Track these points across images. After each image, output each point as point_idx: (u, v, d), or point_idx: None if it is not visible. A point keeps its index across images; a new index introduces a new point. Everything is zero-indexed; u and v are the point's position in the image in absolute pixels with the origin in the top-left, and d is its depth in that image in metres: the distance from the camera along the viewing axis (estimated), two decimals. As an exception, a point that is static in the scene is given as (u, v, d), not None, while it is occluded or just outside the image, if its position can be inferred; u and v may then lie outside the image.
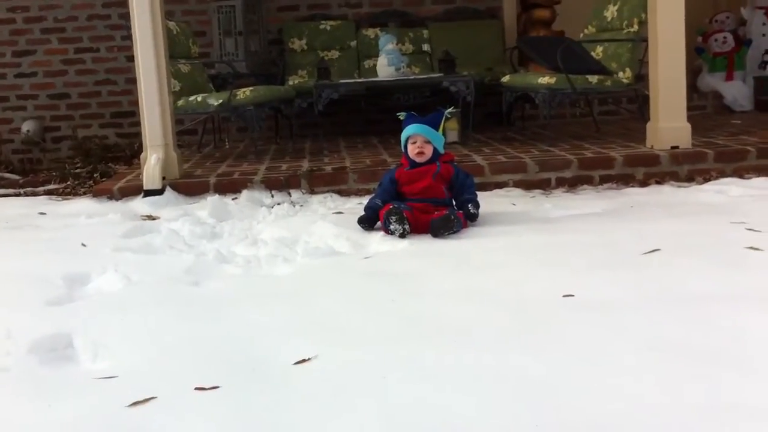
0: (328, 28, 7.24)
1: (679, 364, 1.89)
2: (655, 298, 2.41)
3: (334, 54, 7.22)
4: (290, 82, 6.85)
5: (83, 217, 4.21)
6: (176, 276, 2.94)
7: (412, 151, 3.64)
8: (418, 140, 3.63)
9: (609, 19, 5.90)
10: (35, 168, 6.97)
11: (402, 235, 3.38)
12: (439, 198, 3.60)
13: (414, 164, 3.65)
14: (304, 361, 2.02)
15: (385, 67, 5.96)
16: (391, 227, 3.40)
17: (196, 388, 1.88)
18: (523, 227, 3.53)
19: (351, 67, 7.17)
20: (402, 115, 3.73)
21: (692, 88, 7.36)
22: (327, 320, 2.37)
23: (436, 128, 3.64)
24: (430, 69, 6.94)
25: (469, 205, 3.61)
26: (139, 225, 3.92)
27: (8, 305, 2.62)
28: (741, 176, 4.57)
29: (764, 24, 7.36)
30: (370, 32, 7.22)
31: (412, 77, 6.04)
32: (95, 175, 5.81)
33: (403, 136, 3.68)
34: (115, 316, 2.49)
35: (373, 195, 3.77)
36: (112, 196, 4.70)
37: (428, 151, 3.63)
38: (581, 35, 6.23)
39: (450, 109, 3.78)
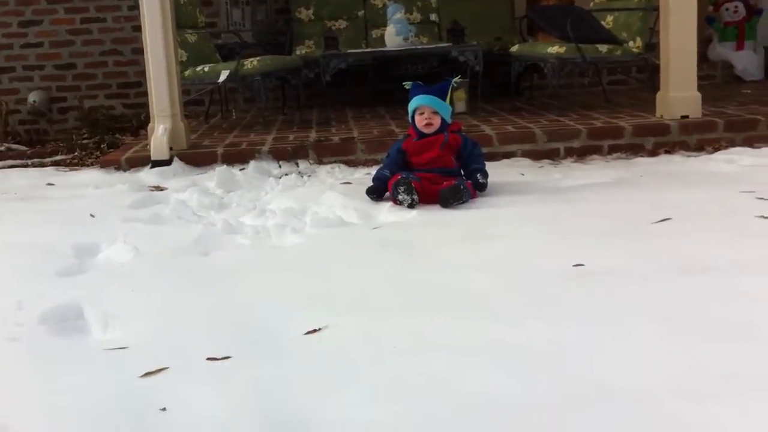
0: (336, -4, 7.19)
1: (692, 334, 1.88)
2: (666, 267, 2.40)
3: (342, 24, 7.16)
4: (297, 52, 6.81)
5: (91, 187, 4.21)
6: (185, 246, 2.94)
7: (420, 122, 3.62)
8: (425, 111, 3.60)
9: (619, -13, 5.83)
10: (42, 139, 6.96)
11: (411, 206, 3.37)
12: (447, 168, 3.58)
13: (422, 135, 3.63)
14: (314, 331, 2.03)
15: (393, 37, 5.91)
16: (400, 197, 3.39)
17: (208, 359, 1.89)
18: (532, 197, 3.51)
19: (358, 36, 7.12)
20: (408, 85, 3.69)
21: (702, 57, 7.28)
22: (337, 290, 2.37)
23: (444, 98, 3.61)
24: (438, 39, 6.89)
25: (478, 175, 3.60)
26: (147, 195, 3.91)
27: (19, 276, 2.62)
28: (751, 146, 4.54)
29: (776, -8, 7.28)
30: (378, 2, 7.16)
31: (420, 47, 5.99)
32: (102, 146, 5.80)
33: (411, 107, 3.65)
34: (125, 286, 2.49)
35: (380, 166, 3.75)
36: (119, 166, 4.69)
37: (436, 122, 3.60)
38: (591, 4, 6.16)
39: (457, 78, 3.76)
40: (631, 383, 1.65)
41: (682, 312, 2.02)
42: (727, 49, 7.36)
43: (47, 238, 3.06)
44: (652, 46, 5.50)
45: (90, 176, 4.55)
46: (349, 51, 5.93)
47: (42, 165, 5.32)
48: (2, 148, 6.18)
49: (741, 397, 1.57)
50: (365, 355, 1.87)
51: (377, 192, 3.58)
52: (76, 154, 5.67)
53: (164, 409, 1.65)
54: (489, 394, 1.65)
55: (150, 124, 4.81)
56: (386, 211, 3.39)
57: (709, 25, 7.49)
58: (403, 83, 3.72)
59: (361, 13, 7.21)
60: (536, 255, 2.62)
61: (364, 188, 3.63)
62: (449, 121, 3.65)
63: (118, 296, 2.39)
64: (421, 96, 3.60)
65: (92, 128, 6.44)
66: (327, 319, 2.09)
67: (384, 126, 5.34)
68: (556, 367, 1.75)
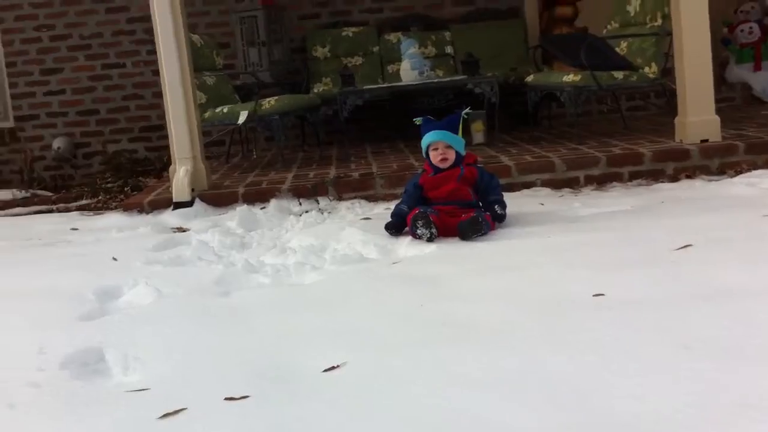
0: (351, 34, 7.26)
1: (713, 362, 1.86)
2: (688, 294, 2.37)
3: (358, 60, 7.23)
4: (315, 90, 6.87)
5: (114, 231, 4.26)
6: (206, 287, 2.96)
7: (434, 158, 3.63)
8: (439, 146, 3.61)
9: (632, 13, 5.85)
10: (67, 184, 7.06)
11: (429, 239, 3.37)
12: (465, 200, 3.59)
13: (437, 170, 3.64)
14: (333, 368, 2.02)
15: (409, 72, 5.95)
16: (419, 232, 3.39)
17: (226, 399, 1.89)
18: (551, 227, 3.50)
19: (374, 72, 7.18)
20: (419, 121, 3.71)
21: (720, 79, 7.26)
22: (356, 327, 2.37)
23: (455, 131, 3.62)
24: (453, 71, 6.93)
25: (496, 206, 3.59)
26: (169, 237, 3.95)
27: (41, 321, 2.65)
28: (773, 168, 4.51)
29: (791, 13, 7.26)
30: (392, 37, 7.23)
31: (435, 80, 6.02)
32: (126, 189, 5.88)
33: (424, 143, 3.67)
34: (146, 328, 2.51)
35: (398, 201, 3.76)
36: (142, 209, 4.74)
37: (451, 156, 3.62)
38: (604, 31, 6.18)
39: (467, 110, 3.76)
40: (651, 415, 1.63)
41: (702, 340, 2.00)
42: (745, 70, 7.34)
43: (69, 282, 3.09)
44: (667, 71, 5.50)
45: (113, 220, 4.60)
46: (365, 87, 5.98)
47: (67, 210, 5.40)
48: (28, 195, 6.27)
49: (762, 425, 1.55)
50: (383, 392, 1.86)
51: (396, 227, 3.58)
52: (100, 198, 5.74)
53: (184, 452, 1.65)
54: (507, 426, 1.63)
55: (171, 167, 4.86)
56: (406, 246, 3.39)
57: (725, 47, 7.48)
58: (414, 119, 3.73)
59: (376, 49, 7.28)
60: (556, 285, 2.61)
61: (384, 223, 3.64)
62: (463, 153, 3.66)
63: (139, 338, 2.40)
64: (434, 132, 3.61)
65: (116, 172, 6.53)
66: (346, 356, 2.09)
67: (403, 160, 5.36)
68: (576, 399, 1.73)
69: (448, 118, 3.66)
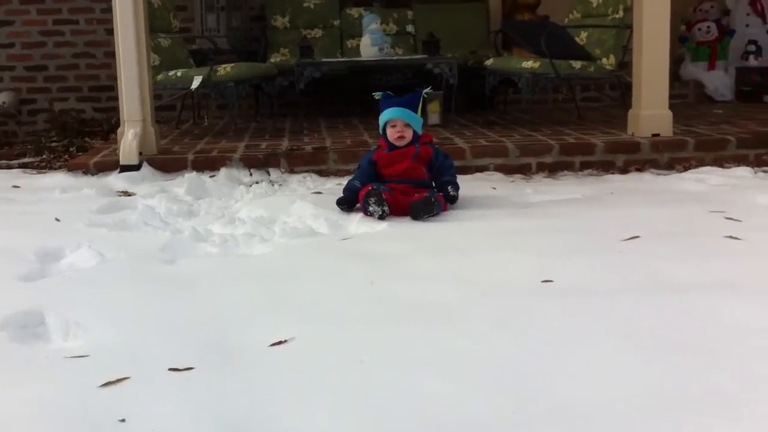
0: (312, 6, 7.17)
1: (655, 352, 1.88)
2: (634, 285, 2.40)
3: (317, 33, 7.15)
4: (272, 60, 6.77)
5: (57, 191, 4.15)
6: (151, 253, 2.90)
7: (392, 135, 3.61)
8: (398, 124, 3.59)
9: (594, 4, 5.88)
10: (10, 141, 6.85)
11: (381, 217, 3.35)
12: (419, 179, 3.57)
13: (393, 146, 3.62)
14: (280, 342, 2.00)
15: (369, 47, 5.90)
16: (370, 209, 3.37)
17: (170, 369, 1.85)
18: (503, 211, 3.51)
19: (334, 46, 7.10)
20: (378, 95, 3.68)
21: (674, 76, 7.36)
22: (304, 302, 2.34)
23: (415, 110, 3.60)
24: (413, 50, 6.90)
25: (449, 187, 3.59)
26: (114, 201, 3.86)
27: (-22, 280, 2.57)
28: (721, 165, 4.58)
29: (748, 14, 7.37)
30: (354, 12, 7.16)
31: (395, 58, 5.99)
32: (71, 149, 5.73)
33: (382, 119, 3.64)
34: (88, 293, 2.45)
35: (351, 177, 3.73)
36: (87, 170, 4.63)
37: (408, 135, 3.60)
38: (566, 20, 6.21)
39: (427, 89, 3.74)
40: (592, 401, 1.65)
41: (646, 330, 2.03)
42: (699, 68, 7.45)
43: (10, 241, 3.01)
44: (624, 64, 5.55)
45: (57, 180, 4.48)
46: (323, 60, 5.91)
47: (9, 167, 5.24)
48: (-32, 149, 6.08)
49: (701, 415, 1.58)
50: (330, 367, 1.85)
51: (347, 203, 3.56)
52: (44, 157, 5.59)
53: (123, 420, 1.61)
54: (452, 407, 1.63)
55: (120, 129, 4.75)
56: (356, 223, 3.37)
57: (682, 44, 7.58)
58: (374, 94, 3.70)
59: (337, 22, 7.21)
60: (505, 269, 2.61)
61: (336, 198, 3.61)
62: (420, 132, 3.64)
63: (81, 303, 2.35)
64: (394, 109, 3.58)
65: (61, 131, 6.36)
66: (292, 330, 2.07)
67: (357, 136, 5.32)
68: (520, 383, 1.74)
69: (409, 95, 3.63)
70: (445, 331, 2.06)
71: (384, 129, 3.65)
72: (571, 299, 2.28)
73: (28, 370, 1.90)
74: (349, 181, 3.65)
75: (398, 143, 3.60)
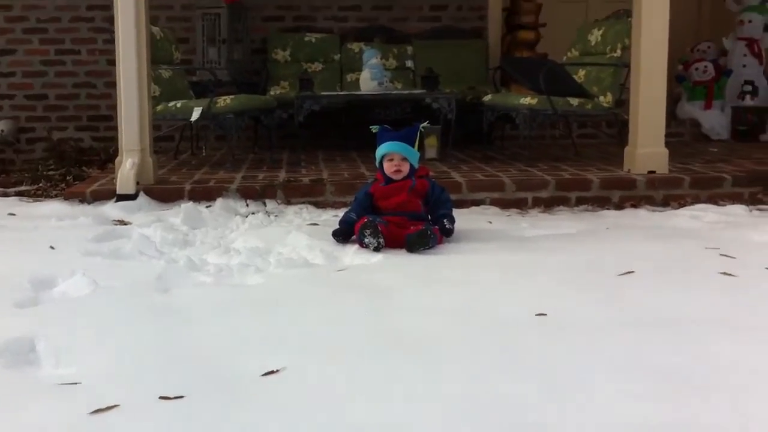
0: (313, 40, 7.24)
1: (648, 386, 1.87)
2: (628, 319, 2.40)
3: (318, 66, 7.20)
4: (272, 93, 6.82)
5: (54, 219, 4.15)
6: (145, 282, 2.89)
7: (388, 168, 3.62)
8: (395, 158, 3.60)
9: (593, 43, 5.94)
10: (7, 168, 6.87)
11: (376, 249, 3.35)
12: (415, 212, 3.58)
13: (389, 180, 3.63)
14: (271, 373, 1.99)
15: (368, 81, 5.95)
16: (366, 240, 3.37)
17: (161, 398, 1.84)
18: (498, 245, 3.52)
19: (334, 80, 7.16)
20: (375, 129, 3.69)
21: (671, 114, 7.40)
22: (297, 332, 2.33)
23: (412, 144, 3.61)
24: (413, 85, 6.95)
25: (445, 220, 3.59)
26: (110, 229, 3.86)
27: (-29, 306, 2.56)
28: (716, 203, 4.61)
29: (745, 55, 7.44)
30: (355, 46, 7.22)
31: (394, 92, 6.03)
32: (68, 177, 5.74)
33: (379, 152, 3.65)
34: (81, 321, 2.44)
35: (348, 209, 3.74)
36: (84, 199, 4.64)
37: (405, 169, 3.61)
38: (564, 58, 6.26)
39: (425, 123, 3.76)
40: (588, 436, 1.64)
41: (639, 364, 2.02)
42: (696, 107, 7.50)
43: (4, 269, 3.00)
44: (621, 102, 5.59)
45: (53, 208, 4.48)
46: (323, 93, 5.95)
47: (5, 195, 5.24)
48: (-34, 176, 6.09)
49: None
50: (321, 399, 1.83)
51: (343, 235, 3.56)
52: (40, 185, 5.60)
53: (110, 449, 1.60)
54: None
55: (118, 158, 4.77)
56: (352, 254, 3.37)
57: (679, 83, 7.64)
58: (371, 127, 3.71)
59: (337, 56, 7.27)
60: (499, 303, 2.61)
61: (332, 230, 3.61)
62: (417, 166, 3.66)
63: (73, 331, 2.34)
64: (391, 143, 3.59)
65: (59, 160, 6.39)
66: (285, 361, 2.06)
67: (354, 169, 5.34)
68: (514, 419, 1.72)
69: (406, 129, 3.65)
70: (438, 365, 2.04)
71: (381, 162, 3.66)
72: (564, 333, 2.27)
73: (18, 397, 1.88)
74: (346, 213, 3.66)
75: (395, 177, 3.61)
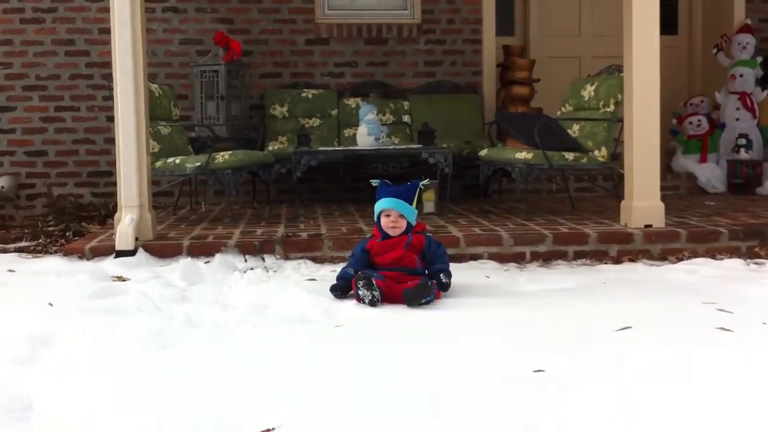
0: (310, 96, 7.32)
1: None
2: (626, 375, 2.39)
3: (315, 122, 7.27)
4: (270, 148, 6.88)
5: (52, 275, 4.15)
6: (143, 339, 2.88)
7: (385, 224, 3.64)
8: (392, 214, 3.63)
9: (586, 98, 6.02)
10: (7, 225, 6.88)
11: (372, 302, 3.36)
12: (411, 267, 3.59)
13: (386, 235, 3.65)
14: (268, 430, 1.98)
15: (365, 137, 6.01)
16: (360, 293, 3.38)
17: (156, 456, 1.83)
18: (496, 300, 3.52)
19: (331, 135, 7.22)
20: (375, 183, 3.72)
21: (666, 168, 7.47)
22: (293, 389, 2.32)
23: (410, 201, 3.63)
24: (409, 140, 7.02)
25: (441, 275, 3.60)
26: (108, 286, 3.86)
27: (-32, 364, 2.55)
28: (713, 257, 4.61)
29: (738, 109, 7.52)
30: (352, 102, 7.30)
31: (391, 147, 6.08)
32: (68, 233, 5.75)
33: (377, 208, 3.68)
34: (77, 378, 2.43)
35: (345, 264, 3.75)
36: (83, 255, 4.64)
37: (402, 225, 3.63)
38: (558, 113, 6.34)
39: (425, 181, 3.79)
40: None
41: (635, 421, 2.01)
42: (691, 161, 7.55)
43: (1, 325, 3.00)
44: (617, 156, 5.64)
45: (52, 264, 4.49)
46: (320, 149, 6.01)
47: (5, 251, 5.25)
48: (-35, 233, 6.10)
49: None
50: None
51: (341, 290, 3.57)
52: (40, 241, 5.60)
53: None
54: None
55: (117, 214, 4.79)
56: (350, 310, 3.37)
57: (674, 137, 7.71)
58: (371, 180, 3.74)
59: (334, 112, 7.35)
60: (496, 358, 2.61)
61: (330, 285, 3.61)
62: (414, 223, 3.67)
63: (70, 388, 2.33)
64: (389, 199, 3.62)
65: (59, 216, 6.40)
66: (282, 418, 2.05)
67: (353, 224, 5.36)
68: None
69: (405, 186, 3.68)
70: (436, 423, 2.04)
71: (379, 217, 3.68)
72: (562, 390, 2.27)
73: (12, 457, 1.87)
74: (343, 269, 3.67)
75: (392, 233, 3.63)
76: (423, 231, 3.74)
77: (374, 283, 3.37)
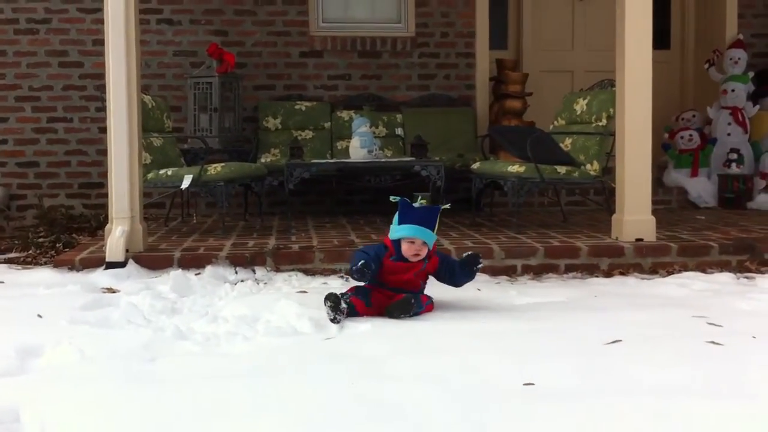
0: (303, 108, 7.33)
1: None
2: (616, 389, 2.39)
3: (308, 134, 7.28)
4: (262, 160, 6.88)
5: (42, 287, 4.14)
6: (132, 352, 2.87)
7: (407, 251, 3.49)
8: (416, 242, 3.49)
9: (578, 112, 6.03)
10: (-2, 235, 6.87)
11: (333, 320, 3.32)
12: (413, 291, 3.53)
13: (400, 255, 3.52)
14: (256, 444, 1.97)
15: (358, 149, 6.01)
16: (325, 308, 3.35)
17: (142, 469, 1.82)
18: (487, 313, 3.52)
19: (324, 147, 7.23)
20: (395, 199, 3.56)
21: (658, 182, 7.49)
22: (283, 401, 2.32)
23: (433, 227, 3.52)
24: (402, 153, 7.03)
25: (467, 268, 3.57)
26: (98, 297, 3.85)
27: (-46, 375, 2.53)
28: (704, 271, 4.63)
29: (729, 124, 7.55)
30: (345, 114, 7.31)
31: (383, 160, 6.09)
32: (58, 245, 5.73)
33: (401, 232, 3.50)
34: (65, 390, 2.42)
35: (360, 252, 3.54)
36: (73, 266, 4.63)
37: (423, 253, 3.52)
38: (551, 127, 6.36)
39: (446, 205, 3.69)
40: None
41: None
42: (682, 175, 7.58)
43: (-10, 337, 2.98)
44: (608, 170, 5.66)
45: (42, 275, 4.47)
46: (313, 161, 6.01)
47: (-5, 262, 5.23)
48: (-45, 243, 6.07)
49: None
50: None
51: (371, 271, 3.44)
52: (30, 252, 5.58)
53: None
54: None
55: (108, 225, 4.78)
56: (340, 322, 3.35)
57: (665, 151, 7.74)
58: (391, 197, 3.58)
59: (327, 124, 7.35)
60: (486, 371, 2.60)
61: (320, 297, 3.58)
62: (431, 248, 3.58)
63: (58, 401, 2.32)
64: (416, 228, 3.47)
65: (50, 227, 6.38)
66: (271, 430, 2.04)
67: (344, 236, 5.36)
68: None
69: (429, 211, 3.53)
70: (424, 435, 2.03)
71: (398, 240, 3.52)
72: (552, 403, 2.26)
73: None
74: (363, 253, 3.49)
75: (412, 260, 3.52)
76: (435, 251, 3.64)
77: (340, 308, 3.34)
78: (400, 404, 2.27)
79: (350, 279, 4.42)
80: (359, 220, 6.41)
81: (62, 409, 2.24)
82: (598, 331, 3.11)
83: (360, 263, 3.41)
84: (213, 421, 2.15)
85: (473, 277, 3.62)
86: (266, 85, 7.51)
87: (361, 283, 3.52)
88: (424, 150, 5.99)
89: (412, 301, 3.38)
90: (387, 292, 3.50)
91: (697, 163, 7.53)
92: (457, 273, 3.61)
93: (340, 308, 3.35)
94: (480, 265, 3.54)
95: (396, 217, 3.57)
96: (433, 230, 3.54)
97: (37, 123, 7.30)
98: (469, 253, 3.58)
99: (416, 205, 3.56)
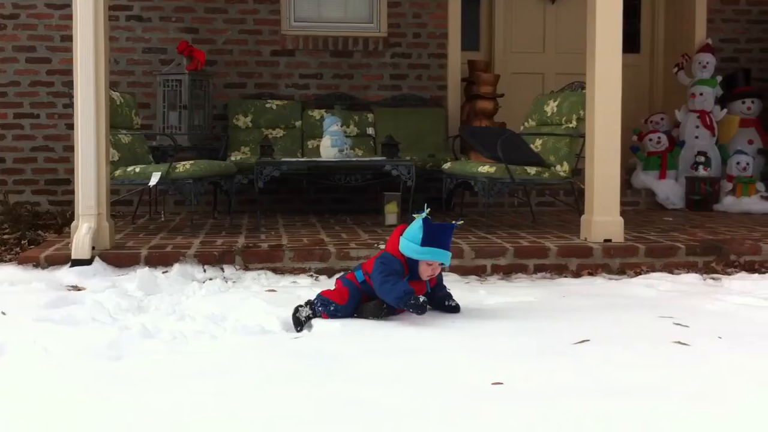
0: (274, 107, 7.30)
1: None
2: (582, 388, 2.40)
3: (279, 132, 7.25)
4: (232, 158, 6.83)
5: (6, 284, 4.08)
6: (97, 350, 2.83)
7: (425, 272, 3.40)
8: (435, 264, 3.42)
9: (549, 114, 6.06)
10: (-39, 232, 6.75)
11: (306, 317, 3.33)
12: None
13: (413, 275, 3.42)
14: (221, 443, 1.95)
15: (329, 148, 5.99)
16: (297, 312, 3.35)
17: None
18: (456, 313, 3.51)
19: (294, 146, 7.20)
20: (423, 215, 3.40)
21: (626, 184, 7.56)
22: (248, 401, 2.29)
23: (449, 246, 3.45)
24: (373, 152, 7.03)
25: (446, 301, 3.52)
26: (63, 295, 3.80)
27: None
28: (670, 272, 4.67)
29: (697, 127, 7.63)
30: (316, 113, 7.29)
31: (354, 159, 6.08)
32: (23, 242, 5.64)
33: (429, 257, 3.38)
34: (27, 389, 2.38)
35: (392, 279, 3.34)
36: (38, 264, 4.56)
37: (437, 272, 3.48)
38: (522, 128, 6.38)
39: (460, 222, 3.64)
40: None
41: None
42: (651, 177, 7.64)
43: (-50, 334, 2.93)
44: (578, 171, 5.69)
45: (6, 273, 4.40)
46: (283, 159, 5.98)
47: (-43, 259, 5.14)
48: None
49: None
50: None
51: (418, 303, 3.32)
52: (-6, 248, 5.49)
53: None
54: None
55: (74, 222, 4.72)
56: (309, 321, 3.34)
57: (634, 153, 7.81)
58: (413, 213, 3.48)
59: (298, 123, 7.32)
60: (454, 371, 2.60)
61: (289, 296, 3.57)
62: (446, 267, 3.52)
63: (20, 400, 2.28)
64: (445, 253, 3.40)
65: (14, 224, 6.28)
66: (237, 430, 2.02)
67: (314, 235, 5.34)
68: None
69: (449, 233, 3.44)
70: (391, 434, 2.02)
71: (413, 257, 3.41)
72: (520, 402, 2.27)
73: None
74: (401, 285, 3.32)
75: (425, 279, 3.45)
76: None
77: (302, 322, 3.33)
78: (368, 403, 2.26)
79: (319, 278, 4.42)
80: (329, 219, 6.39)
81: (23, 409, 2.20)
82: (566, 330, 3.12)
83: (421, 299, 3.29)
84: (183, 420, 2.12)
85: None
86: (237, 83, 7.46)
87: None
88: (395, 150, 5.98)
89: (384, 306, 3.35)
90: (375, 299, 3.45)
91: (665, 165, 7.60)
92: (438, 297, 3.54)
93: (302, 323, 3.33)
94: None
95: (414, 233, 3.40)
96: (449, 247, 3.45)
97: (3, 119, 7.20)
98: (456, 305, 3.53)
99: (425, 216, 3.41)
